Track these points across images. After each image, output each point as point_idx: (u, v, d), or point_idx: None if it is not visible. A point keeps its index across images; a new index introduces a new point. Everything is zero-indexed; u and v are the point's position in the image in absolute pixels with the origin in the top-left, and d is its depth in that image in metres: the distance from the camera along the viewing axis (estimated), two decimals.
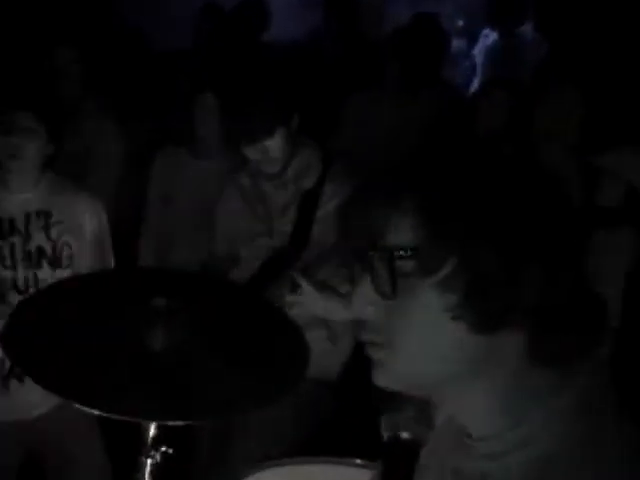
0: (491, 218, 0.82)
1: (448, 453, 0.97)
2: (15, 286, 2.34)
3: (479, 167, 0.86)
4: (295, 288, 2.24)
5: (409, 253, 0.83)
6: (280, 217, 2.47)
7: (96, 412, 1.49)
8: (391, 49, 3.55)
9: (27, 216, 2.36)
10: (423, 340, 0.85)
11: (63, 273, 2.36)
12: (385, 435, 1.27)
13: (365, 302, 0.87)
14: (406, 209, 0.84)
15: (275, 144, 2.33)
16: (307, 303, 2.23)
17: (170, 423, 1.58)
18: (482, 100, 3.13)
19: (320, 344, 2.29)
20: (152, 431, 1.66)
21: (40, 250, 2.35)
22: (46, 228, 2.36)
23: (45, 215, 2.36)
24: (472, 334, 0.83)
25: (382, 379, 0.89)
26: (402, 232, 0.84)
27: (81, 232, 2.40)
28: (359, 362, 2.39)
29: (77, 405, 1.48)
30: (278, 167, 2.39)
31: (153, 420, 1.62)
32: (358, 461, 1.74)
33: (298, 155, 2.42)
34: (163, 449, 1.68)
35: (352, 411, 2.48)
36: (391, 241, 0.85)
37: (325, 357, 2.37)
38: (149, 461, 1.67)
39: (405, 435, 1.26)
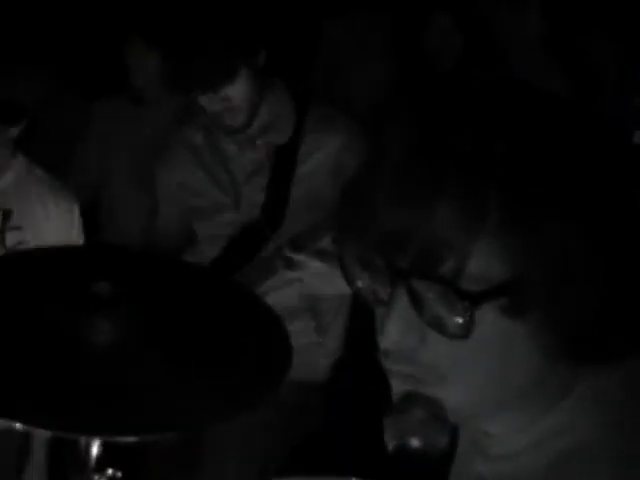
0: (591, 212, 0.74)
1: (464, 457, 0.97)
2: None
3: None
4: (292, 263, 2.11)
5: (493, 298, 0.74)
6: (248, 183, 2.31)
7: (21, 427, 1.43)
8: None
9: None
10: (490, 377, 0.80)
11: None
12: (390, 445, 1.21)
13: (401, 329, 0.79)
14: (488, 215, 0.73)
15: (238, 90, 2.15)
16: (311, 279, 2.12)
17: (118, 440, 1.52)
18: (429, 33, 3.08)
19: (305, 338, 2.21)
20: (96, 450, 1.62)
21: None
22: (1, 231, 2.21)
23: (3, 215, 2.22)
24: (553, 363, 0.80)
25: None
26: (483, 258, 0.73)
27: (44, 242, 2.24)
28: (352, 358, 2.32)
29: None
30: (243, 119, 2.21)
31: (96, 436, 1.57)
32: None
33: (266, 102, 2.26)
34: (110, 472, 1.64)
35: (347, 419, 2.39)
36: (472, 270, 0.74)
37: (312, 353, 2.27)
38: None
39: (415, 442, 1.19)
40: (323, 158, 2.23)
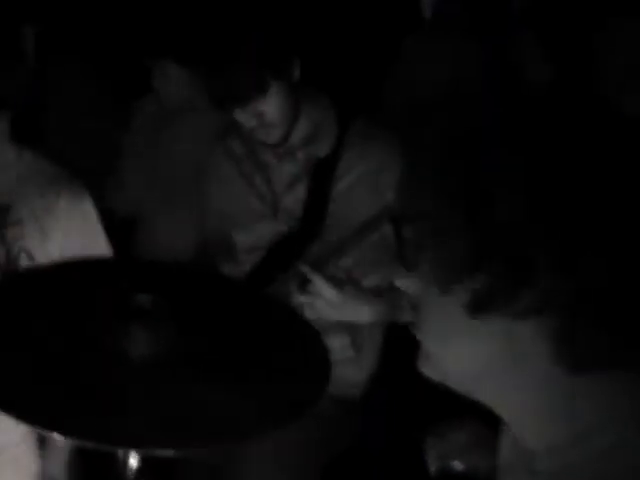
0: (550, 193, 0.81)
1: (509, 473, 1.00)
2: None
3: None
4: (305, 286, 2.08)
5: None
6: (287, 194, 2.29)
7: (59, 437, 1.41)
8: None
9: None
10: (467, 338, 0.89)
11: None
12: (432, 467, 1.21)
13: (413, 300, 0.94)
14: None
15: (271, 105, 2.13)
16: (321, 305, 2.07)
17: (156, 453, 1.49)
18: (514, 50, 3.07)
19: (340, 353, 2.19)
20: (133, 463, 1.61)
21: None
22: (1, 227, 2.08)
23: (2, 210, 2.09)
24: (518, 322, 0.84)
25: (426, 369, 0.95)
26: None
27: (48, 237, 2.12)
28: (388, 375, 2.31)
29: (33, 427, 1.43)
30: (279, 134, 2.20)
31: (134, 449, 1.56)
32: None
33: (305, 114, 2.24)
34: None
35: (382, 434, 2.37)
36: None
37: (347, 369, 2.25)
38: None
39: (458, 465, 1.19)
40: (363, 173, 2.21)
